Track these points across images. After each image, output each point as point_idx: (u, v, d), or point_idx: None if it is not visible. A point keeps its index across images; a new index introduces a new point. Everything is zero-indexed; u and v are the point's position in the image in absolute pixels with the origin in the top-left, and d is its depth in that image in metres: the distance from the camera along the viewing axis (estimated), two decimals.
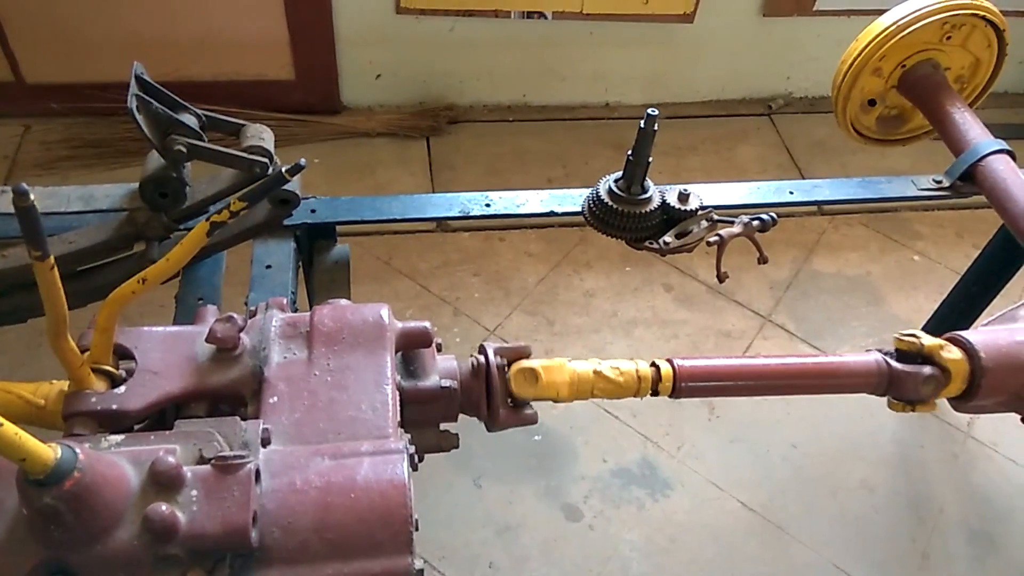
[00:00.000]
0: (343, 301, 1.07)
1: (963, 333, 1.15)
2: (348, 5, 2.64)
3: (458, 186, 2.68)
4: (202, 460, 0.76)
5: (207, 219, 0.78)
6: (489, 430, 1.13)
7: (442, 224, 2.55)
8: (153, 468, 0.69)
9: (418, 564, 0.76)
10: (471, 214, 1.47)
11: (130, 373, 0.90)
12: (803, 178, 2.86)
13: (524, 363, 1.05)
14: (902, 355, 1.20)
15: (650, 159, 1.34)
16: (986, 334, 1.16)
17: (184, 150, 1.11)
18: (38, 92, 2.63)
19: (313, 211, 1.40)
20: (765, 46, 3.03)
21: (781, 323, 2.31)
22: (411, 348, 1.04)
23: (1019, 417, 1.20)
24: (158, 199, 1.19)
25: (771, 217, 1.28)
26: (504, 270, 2.40)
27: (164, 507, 0.67)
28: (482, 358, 1.08)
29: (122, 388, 0.84)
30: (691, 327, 2.27)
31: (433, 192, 2.65)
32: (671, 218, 1.39)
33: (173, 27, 2.57)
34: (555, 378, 1.05)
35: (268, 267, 1.33)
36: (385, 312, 1.01)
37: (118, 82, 2.59)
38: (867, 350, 1.26)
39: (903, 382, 1.15)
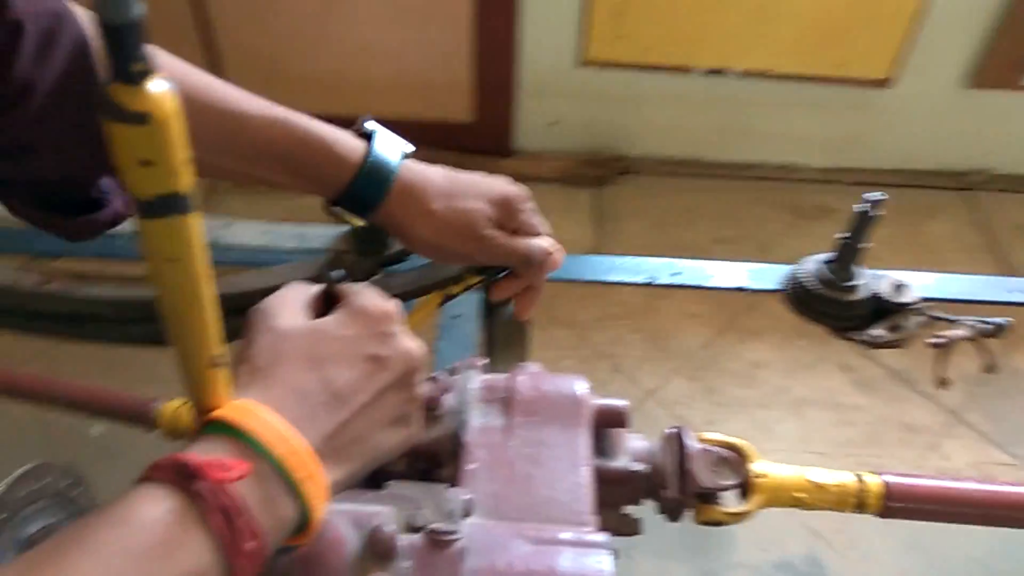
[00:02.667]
0: (537, 367, 1.05)
1: None
2: (533, 56, 2.69)
3: (624, 238, 2.66)
4: (410, 528, 0.75)
5: (443, 293, 0.79)
6: (671, 520, 1.08)
7: None
8: (373, 536, 0.69)
9: None
10: (658, 282, 1.44)
11: None
12: (1004, 264, 2.61)
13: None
14: None
15: (868, 244, 1.25)
16: None
17: None
18: None
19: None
20: (966, 118, 2.82)
21: (973, 422, 2.10)
22: (605, 427, 1.01)
23: None
24: (366, 245, 1.23)
25: (1006, 322, 1.16)
26: (665, 329, 2.33)
27: None
28: (677, 445, 1.03)
29: None
30: (869, 415, 2.10)
31: (598, 242, 2.64)
32: (881, 308, 1.29)
33: (369, 68, 2.72)
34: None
35: (456, 317, 1.35)
36: (583, 387, 0.99)
37: (316, 113, 2.79)
38: None
39: None
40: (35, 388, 1.17)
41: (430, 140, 2.91)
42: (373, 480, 0.92)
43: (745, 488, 1.09)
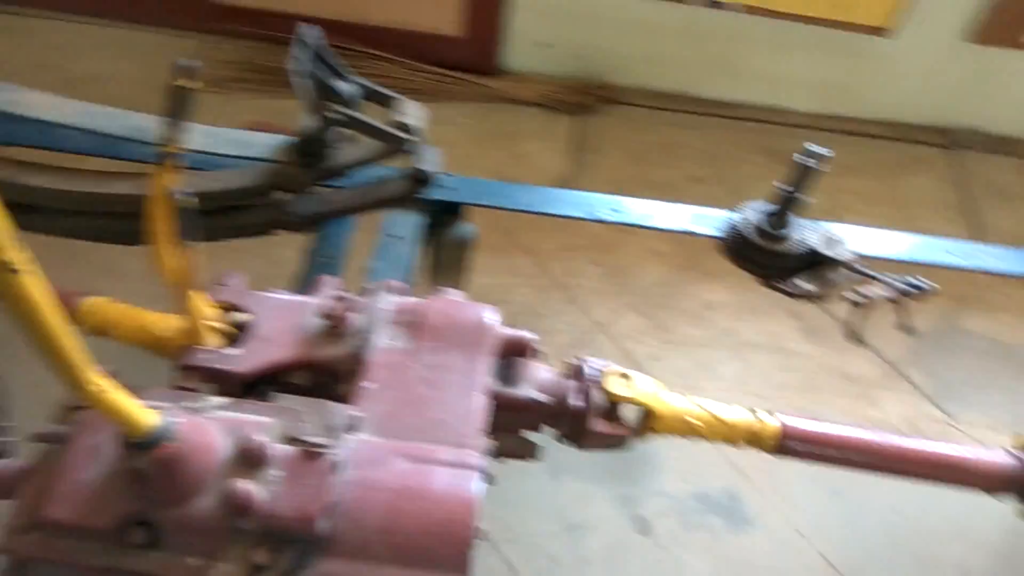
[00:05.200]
0: (454, 294, 1.07)
1: None
2: None
3: (598, 170, 2.64)
4: (290, 439, 0.79)
5: None
6: (580, 447, 1.12)
7: None
8: (243, 444, 0.73)
9: (482, 542, 0.77)
10: (597, 217, 1.44)
11: (240, 327, 0.94)
12: (975, 224, 2.61)
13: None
14: None
15: (808, 198, 1.25)
16: None
17: (334, 117, 1.14)
18: (219, 11, 2.76)
19: (444, 188, 1.41)
20: (960, 73, 2.76)
21: (909, 375, 2.15)
22: (511, 355, 1.04)
23: None
24: (304, 157, 1.23)
25: (929, 286, 1.18)
26: (626, 265, 2.35)
27: (243, 484, 0.71)
28: (576, 372, 1.06)
29: (235, 350, 0.89)
30: (811, 363, 2.15)
31: (571, 172, 2.62)
32: (814, 261, 1.31)
33: None
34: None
35: (392, 236, 1.36)
36: (491, 316, 1.01)
37: (299, 14, 2.70)
38: (999, 448, 1.15)
39: None
40: None
41: (413, 52, 2.86)
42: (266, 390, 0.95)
43: (646, 416, 1.14)
